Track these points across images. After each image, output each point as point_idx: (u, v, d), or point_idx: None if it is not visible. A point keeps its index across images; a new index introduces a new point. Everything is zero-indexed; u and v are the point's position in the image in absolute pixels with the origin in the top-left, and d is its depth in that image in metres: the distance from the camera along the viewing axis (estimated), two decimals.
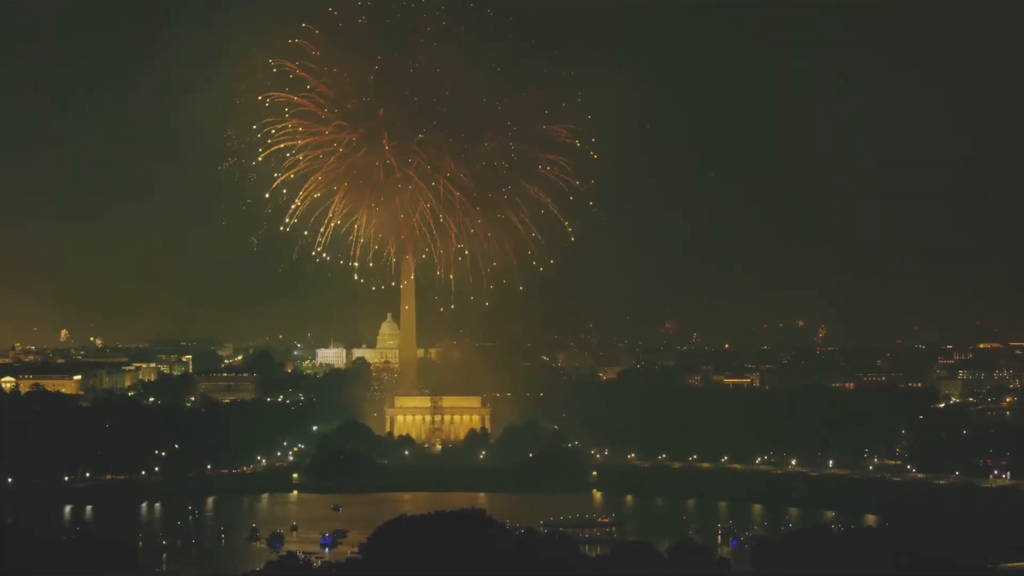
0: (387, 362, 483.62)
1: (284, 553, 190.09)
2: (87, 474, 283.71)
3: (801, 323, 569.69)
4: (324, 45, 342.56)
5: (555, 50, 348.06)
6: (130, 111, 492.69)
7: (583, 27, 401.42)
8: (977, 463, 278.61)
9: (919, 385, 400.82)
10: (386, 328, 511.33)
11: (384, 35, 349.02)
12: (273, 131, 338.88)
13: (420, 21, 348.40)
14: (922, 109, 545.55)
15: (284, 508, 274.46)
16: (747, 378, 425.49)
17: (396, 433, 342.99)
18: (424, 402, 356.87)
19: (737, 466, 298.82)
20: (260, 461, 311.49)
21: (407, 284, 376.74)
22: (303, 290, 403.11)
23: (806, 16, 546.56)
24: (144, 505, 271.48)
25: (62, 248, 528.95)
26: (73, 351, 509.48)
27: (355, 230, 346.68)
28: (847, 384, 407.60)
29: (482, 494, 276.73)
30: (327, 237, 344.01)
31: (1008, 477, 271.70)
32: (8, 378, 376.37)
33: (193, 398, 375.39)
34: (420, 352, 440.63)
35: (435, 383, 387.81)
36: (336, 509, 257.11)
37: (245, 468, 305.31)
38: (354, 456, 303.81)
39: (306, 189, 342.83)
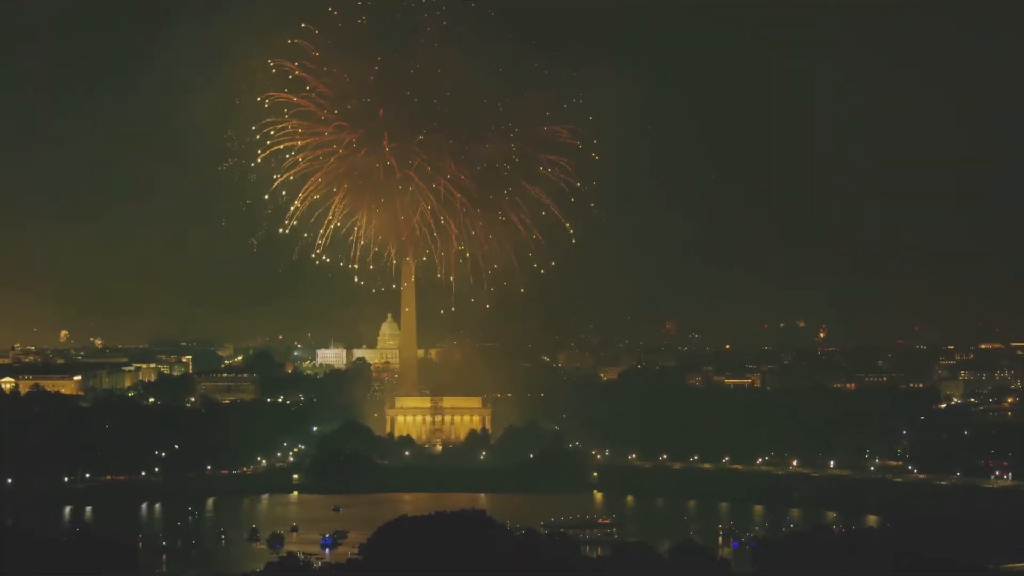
0: (387, 362, 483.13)
1: (284, 554, 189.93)
2: (87, 475, 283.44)
3: (802, 323, 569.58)
4: (324, 45, 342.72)
5: (556, 50, 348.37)
6: (130, 111, 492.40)
7: (583, 27, 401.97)
8: (978, 464, 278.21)
9: (920, 386, 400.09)
10: (386, 328, 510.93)
11: (384, 35, 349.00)
12: (272, 132, 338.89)
13: (420, 21, 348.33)
14: (923, 109, 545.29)
15: (284, 509, 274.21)
16: (748, 378, 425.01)
17: (396, 434, 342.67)
18: (424, 403, 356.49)
19: (738, 467, 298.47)
20: (260, 462, 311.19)
21: (407, 286, 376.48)
22: (303, 290, 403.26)
23: (806, 16, 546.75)
24: (144, 506, 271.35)
25: (62, 248, 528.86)
26: (73, 351, 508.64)
27: (355, 231, 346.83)
28: (848, 385, 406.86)
29: (482, 495, 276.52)
30: (327, 239, 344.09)
31: (1009, 478, 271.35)
32: (8, 378, 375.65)
33: (193, 398, 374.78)
34: (420, 353, 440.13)
35: (435, 384, 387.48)
36: (336, 510, 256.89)
37: (245, 469, 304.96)
38: (354, 457, 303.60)
39: (306, 190, 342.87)
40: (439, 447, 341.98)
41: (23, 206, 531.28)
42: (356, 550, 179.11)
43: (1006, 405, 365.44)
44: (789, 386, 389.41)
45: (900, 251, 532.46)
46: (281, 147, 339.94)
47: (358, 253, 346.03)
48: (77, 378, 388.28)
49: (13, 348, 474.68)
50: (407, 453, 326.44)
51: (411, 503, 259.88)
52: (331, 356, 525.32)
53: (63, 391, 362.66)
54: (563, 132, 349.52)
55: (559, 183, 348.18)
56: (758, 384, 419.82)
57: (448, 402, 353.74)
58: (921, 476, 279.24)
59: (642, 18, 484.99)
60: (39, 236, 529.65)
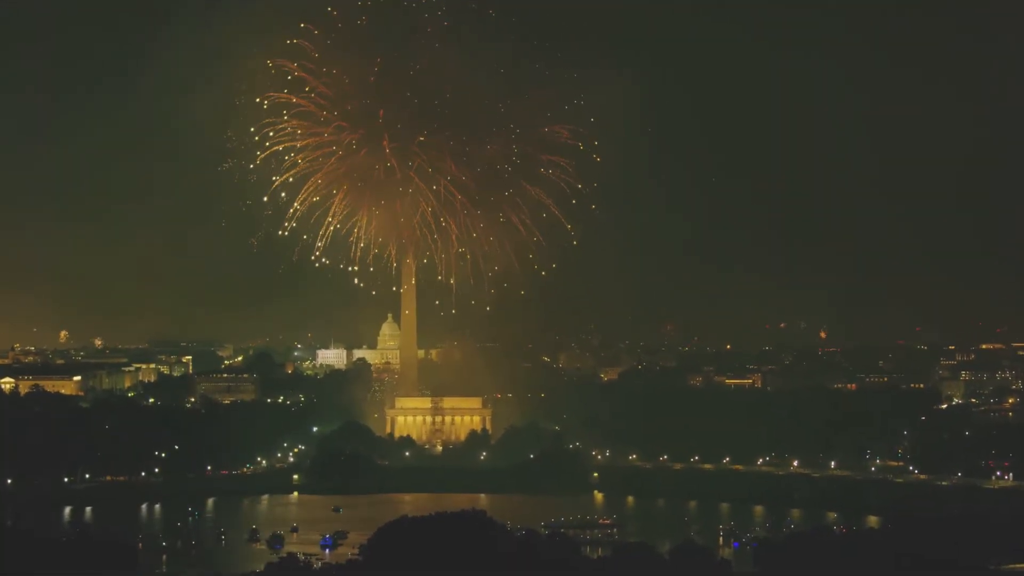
0: (388, 363, 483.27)
1: (284, 554, 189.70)
2: (87, 475, 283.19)
3: (803, 324, 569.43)
4: (324, 46, 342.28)
5: (556, 51, 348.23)
6: (130, 111, 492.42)
7: (584, 28, 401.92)
8: (979, 464, 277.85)
9: (921, 386, 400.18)
10: (387, 329, 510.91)
11: (384, 35, 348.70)
12: (272, 133, 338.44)
13: (421, 21, 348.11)
14: (923, 109, 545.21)
15: (284, 509, 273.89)
16: (749, 379, 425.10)
17: (397, 434, 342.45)
18: (425, 403, 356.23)
19: (739, 467, 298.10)
20: (260, 462, 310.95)
21: (407, 288, 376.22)
22: (303, 291, 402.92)
23: (806, 16, 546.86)
24: (144, 506, 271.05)
25: (62, 248, 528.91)
26: (73, 352, 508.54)
27: (355, 232, 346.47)
28: (849, 385, 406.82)
29: (483, 495, 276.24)
30: (326, 240, 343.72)
31: (1010, 478, 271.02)
32: (8, 379, 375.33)
33: (193, 399, 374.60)
34: (421, 353, 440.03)
35: (436, 384, 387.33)
36: (336, 510, 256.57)
37: (245, 469, 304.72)
38: (354, 457, 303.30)
39: (306, 190, 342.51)
40: (439, 447, 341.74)
41: (23, 206, 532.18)
42: (356, 551, 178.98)
43: (1007, 405, 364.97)
44: (790, 386, 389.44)
45: (900, 251, 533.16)
46: (281, 148, 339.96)
47: (358, 254, 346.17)
48: (77, 378, 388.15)
49: (13, 348, 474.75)
50: (407, 453, 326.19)
51: (411, 503, 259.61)
52: (331, 356, 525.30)
53: (63, 391, 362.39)
54: (563, 132, 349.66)
55: (560, 184, 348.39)
56: (759, 384, 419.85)
57: (448, 402, 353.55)
58: (922, 477, 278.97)
59: (642, 18, 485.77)
60: (39, 236, 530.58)
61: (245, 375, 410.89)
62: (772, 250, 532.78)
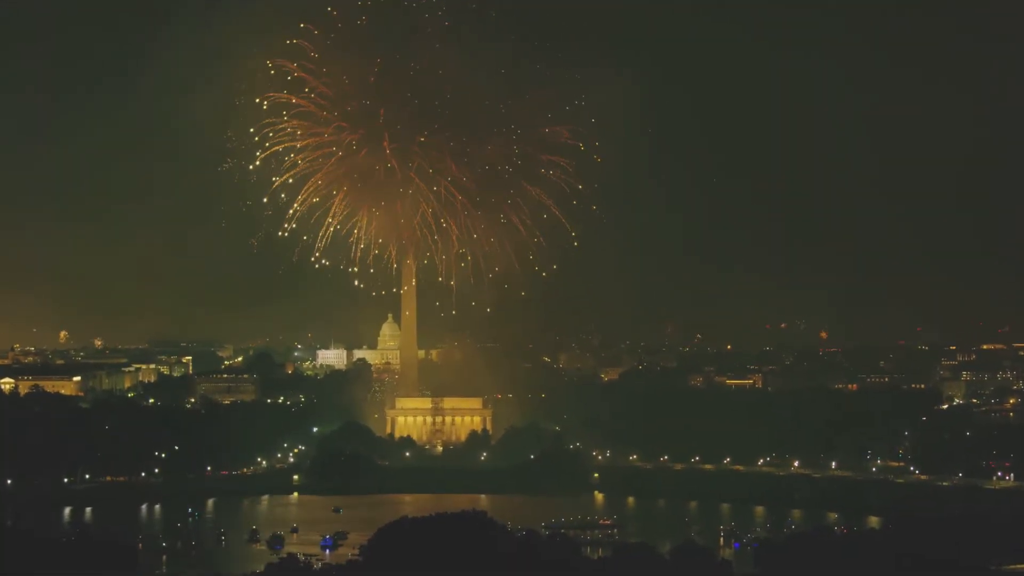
0: (388, 363, 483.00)
1: (284, 555, 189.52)
2: (87, 475, 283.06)
3: (802, 324, 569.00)
4: (324, 46, 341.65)
5: (556, 51, 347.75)
6: (130, 111, 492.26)
7: (583, 27, 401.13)
8: (980, 465, 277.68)
9: (922, 386, 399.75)
10: (387, 329, 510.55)
11: (384, 36, 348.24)
12: (271, 134, 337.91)
13: (421, 22, 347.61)
14: (923, 109, 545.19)
15: (284, 510, 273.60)
16: (749, 379, 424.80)
17: (397, 434, 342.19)
18: (425, 403, 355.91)
19: (739, 468, 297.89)
20: (260, 462, 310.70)
21: (407, 290, 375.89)
22: (303, 291, 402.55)
23: (806, 16, 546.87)
24: (144, 507, 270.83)
25: (62, 248, 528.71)
26: (73, 352, 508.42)
27: (355, 233, 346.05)
28: (850, 385, 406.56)
29: (483, 496, 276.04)
30: (326, 240, 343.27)
31: (1011, 479, 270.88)
32: (7, 379, 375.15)
33: (193, 399, 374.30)
34: (421, 353, 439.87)
35: (436, 384, 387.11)
36: (337, 511, 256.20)
37: (245, 470, 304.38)
38: (355, 457, 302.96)
39: (306, 191, 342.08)
40: (440, 448, 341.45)
41: (23, 206, 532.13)
42: (356, 551, 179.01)
43: (1008, 406, 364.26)
44: (790, 387, 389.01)
45: (900, 251, 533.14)
46: (281, 148, 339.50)
47: (358, 255, 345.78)
48: (77, 379, 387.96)
49: (13, 349, 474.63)
50: (408, 454, 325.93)
51: (412, 504, 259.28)
52: (331, 357, 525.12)
53: (63, 392, 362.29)
54: (564, 132, 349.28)
55: (560, 184, 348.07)
56: (759, 385, 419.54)
57: (449, 403, 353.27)
58: (923, 477, 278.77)
59: (642, 18, 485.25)
60: (39, 236, 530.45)
61: (245, 375, 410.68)
62: (772, 250, 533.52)
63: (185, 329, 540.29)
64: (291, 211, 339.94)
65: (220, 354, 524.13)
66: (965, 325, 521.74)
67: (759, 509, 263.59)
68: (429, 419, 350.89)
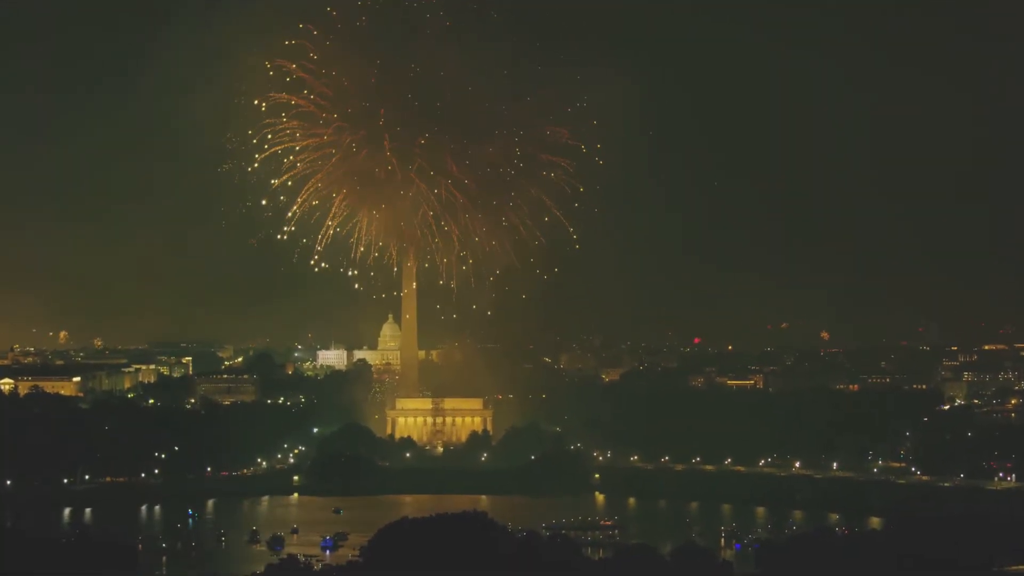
0: (388, 364, 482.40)
1: (284, 556, 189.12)
2: (86, 476, 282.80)
3: (804, 324, 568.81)
4: (324, 46, 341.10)
5: (556, 51, 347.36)
6: (130, 111, 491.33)
7: (584, 27, 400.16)
8: (982, 465, 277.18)
9: (923, 387, 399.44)
10: (387, 329, 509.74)
11: (384, 36, 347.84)
12: (270, 135, 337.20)
13: (421, 22, 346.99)
14: (922, 109, 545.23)
15: (284, 510, 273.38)
16: (750, 380, 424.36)
17: (397, 435, 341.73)
18: (425, 404, 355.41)
19: (740, 468, 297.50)
20: (260, 463, 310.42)
21: (407, 292, 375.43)
22: (303, 291, 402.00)
23: (806, 16, 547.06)
24: (144, 507, 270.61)
25: (62, 248, 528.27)
26: (72, 352, 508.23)
27: (355, 235, 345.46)
28: (851, 386, 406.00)
29: (484, 496, 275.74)
30: (326, 243, 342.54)
31: (1013, 479, 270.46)
32: (7, 380, 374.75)
33: (193, 400, 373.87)
34: (421, 354, 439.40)
35: (436, 385, 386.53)
36: (337, 512, 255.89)
37: (245, 470, 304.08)
38: (355, 458, 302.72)
39: (306, 191, 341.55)
40: (440, 449, 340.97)
41: (23, 206, 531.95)
42: (357, 552, 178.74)
43: (1010, 406, 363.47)
44: (792, 387, 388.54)
45: (900, 251, 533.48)
46: (279, 150, 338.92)
47: (358, 257, 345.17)
48: (76, 379, 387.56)
49: (12, 349, 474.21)
50: (408, 455, 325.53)
51: (412, 505, 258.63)
52: (332, 357, 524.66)
53: (62, 392, 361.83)
54: (564, 133, 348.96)
55: (561, 185, 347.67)
56: (760, 385, 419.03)
57: (449, 403, 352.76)
58: (924, 478, 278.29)
59: (642, 18, 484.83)
60: (39, 236, 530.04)
61: (245, 376, 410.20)
62: (772, 250, 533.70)
63: (185, 329, 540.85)
64: (290, 213, 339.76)
65: (220, 355, 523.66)
66: (966, 325, 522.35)
67: (760, 510, 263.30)
68: (429, 420, 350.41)
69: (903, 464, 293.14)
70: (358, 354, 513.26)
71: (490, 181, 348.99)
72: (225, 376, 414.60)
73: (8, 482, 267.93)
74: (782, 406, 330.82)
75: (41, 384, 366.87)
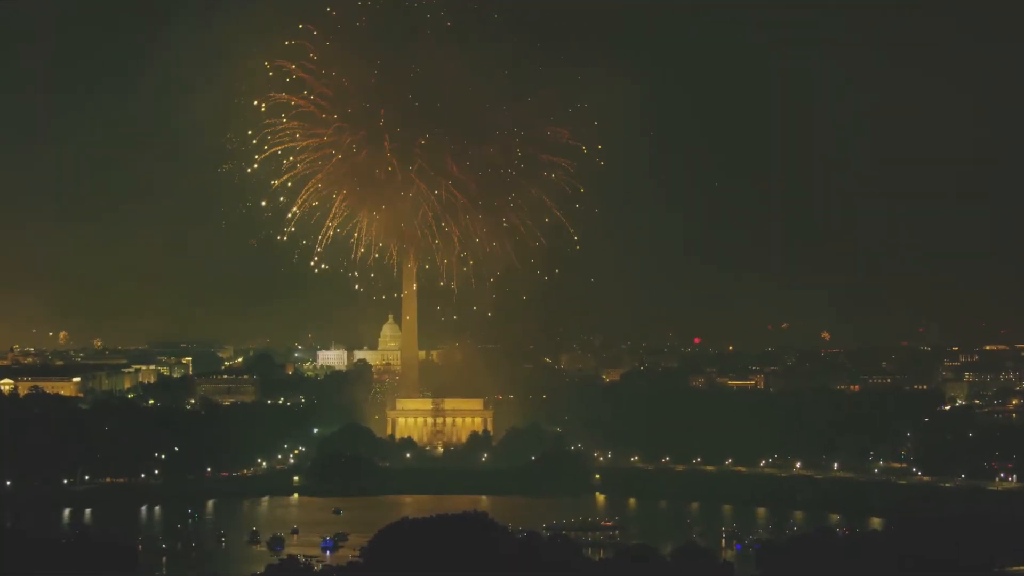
0: (388, 364, 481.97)
1: (285, 556, 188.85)
2: (86, 477, 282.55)
3: (804, 324, 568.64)
4: (324, 47, 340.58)
5: (556, 51, 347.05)
6: (130, 111, 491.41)
7: (584, 27, 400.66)
8: (983, 466, 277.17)
9: (924, 387, 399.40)
10: (387, 330, 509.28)
11: (384, 36, 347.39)
12: (270, 137, 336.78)
13: (421, 22, 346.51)
14: (923, 109, 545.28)
15: (285, 511, 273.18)
16: (751, 380, 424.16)
17: (398, 436, 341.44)
18: (426, 404, 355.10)
19: (741, 469, 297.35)
20: (260, 464, 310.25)
21: (408, 294, 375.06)
22: (303, 291, 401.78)
23: (806, 16, 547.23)
24: (144, 508, 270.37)
25: (62, 248, 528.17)
26: (72, 353, 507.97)
27: (356, 235, 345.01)
28: (852, 386, 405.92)
29: (484, 497, 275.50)
30: (326, 244, 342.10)
31: (1014, 480, 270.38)
32: (7, 380, 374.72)
33: (193, 400, 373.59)
34: (422, 354, 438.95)
35: (437, 385, 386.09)
36: (337, 512, 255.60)
37: (245, 471, 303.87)
38: (355, 459, 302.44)
39: (307, 191, 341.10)
40: (440, 449, 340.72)
41: (23, 206, 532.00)
42: (357, 553, 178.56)
43: (1011, 407, 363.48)
44: (793, 388, 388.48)
45: (900, 251, 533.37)
46: (279, 151, 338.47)
47: (358, 258, 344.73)
48: (76, 380, 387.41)
49: (12, 349, 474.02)
50: (408, 455, 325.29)
51: (412, 505, 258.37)
52: (332, 357, 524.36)
53: (62, 393, 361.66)
54: (565, 133, 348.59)
55: (562, 186, 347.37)
56: (761, 386, 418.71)
57: (449, 404, 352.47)
58: (925, 478, 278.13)
59: (642, 18, 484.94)
60: (39, 236, 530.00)
61: (245, 376, 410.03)
62: (772, 250, 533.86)
63: (185, 329, 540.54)
64: (290, 214, 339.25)
65: (220, 355, 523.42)
66: (967, 326, 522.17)
67: (761, 510, 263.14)
68: (430, 420, 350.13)
69: (904, 464, 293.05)
70: (358, 354, 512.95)
71: (491, 182, 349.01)
72: (225, 376, 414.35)
73: (8, 482, 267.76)
74: (783, 406, 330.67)
75: (41, 384, 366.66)
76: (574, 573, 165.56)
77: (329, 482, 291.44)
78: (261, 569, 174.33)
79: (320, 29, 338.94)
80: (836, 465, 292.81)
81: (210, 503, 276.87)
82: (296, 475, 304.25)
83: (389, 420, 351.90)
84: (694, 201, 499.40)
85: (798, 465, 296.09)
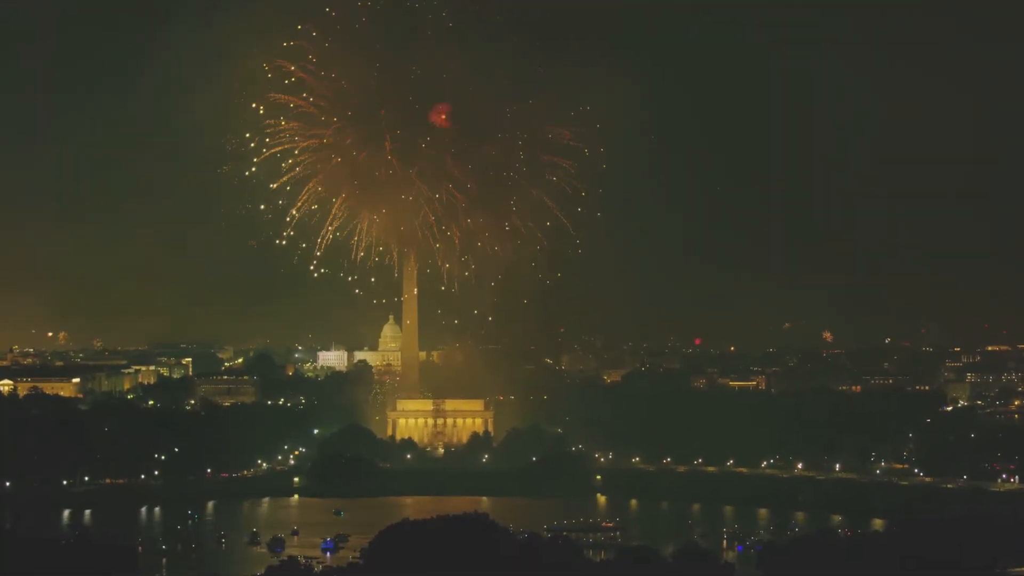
0: (389, 365, 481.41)
1: (285, 558, 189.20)
2: (86, 478, 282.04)
3: (805, 324, 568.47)
4: (324, 47, 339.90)
5: (556, 51, 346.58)
6: (130, 111, 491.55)
7: (584, 27, 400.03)
8: (985, 467, 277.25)
9: (926, 388, 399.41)
10: (388, 330, 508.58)
11: (384, 37, 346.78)
12: (268, 139, 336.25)
13: (421, 23, 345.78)
14: (923, 109, 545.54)
15: (285, 512, 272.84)
16: (753, 381, 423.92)
17: (398, 436, 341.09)
18: (426, 405, 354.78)
19: (743, 470, 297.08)
20: (261, 465, 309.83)
21: (408, 297, 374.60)
22: (303, 291, 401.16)
23: (806, 16, 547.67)
24: (144, 509, 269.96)
25: (62, 248, 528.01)
26: (72, 353, 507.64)
27: (356, 237, 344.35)
28: (853, 387, 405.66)
29: (485, 498, 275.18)
30: (325, 246, 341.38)
31: (1016, 481, 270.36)
32: (6, 381, 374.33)
33: (193, 401, 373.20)
34: (422, 355, 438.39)
35: (437, 386, 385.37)
36: (338, 513, 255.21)
37: (245, 472, 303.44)
38: (356, 460, 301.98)
39: (307, 191, 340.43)
40: (441, 450, 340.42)
41: (23, 206, 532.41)
42: (357, 554, 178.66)
43: (1013, 408, 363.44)
44: (794, 388, 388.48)
45: (901, 251, 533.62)
46: (279, 152, 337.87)
47: (358, 260, 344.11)
48: (76, 380, 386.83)
49: (12, 350, 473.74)
50: (409, 456, 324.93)
51: (413, 506, 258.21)
52: (332, 358, 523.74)
53: (62, 393, 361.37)
54: (566, 134, 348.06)
55: (563, 187, 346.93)
56: (763, 386, 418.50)
57: (450, 405, 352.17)
58: (927, 479, 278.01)
59: (642, 19, 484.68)
60: (39, 236, 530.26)
61: (245, 377, 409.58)
62: (773, 251, 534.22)
63: (185, 330, 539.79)
64: (289, 216, 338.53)
65: (220, 355, 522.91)
66: (968, 326, 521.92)
67: (762, 511, 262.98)
68: (430, 421, 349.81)
69: (906, 465, 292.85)
70: (359, 355, 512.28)
71: (492, 183, 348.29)
72: (225, 377, 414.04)
73: (8, 483, 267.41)
74: (784, 407, 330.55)
75: (41, 385, 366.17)
76: (575, 574, 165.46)
77: (329, 483, 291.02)
78: (261, 570, 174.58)
79: (320, 30, 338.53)
80: (838, 466, 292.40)
81: (210, 504, 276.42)
82: (296, 476, 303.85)
83: (390, 421, 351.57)
84: (694, 201, 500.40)
85: (799, 466, 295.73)
